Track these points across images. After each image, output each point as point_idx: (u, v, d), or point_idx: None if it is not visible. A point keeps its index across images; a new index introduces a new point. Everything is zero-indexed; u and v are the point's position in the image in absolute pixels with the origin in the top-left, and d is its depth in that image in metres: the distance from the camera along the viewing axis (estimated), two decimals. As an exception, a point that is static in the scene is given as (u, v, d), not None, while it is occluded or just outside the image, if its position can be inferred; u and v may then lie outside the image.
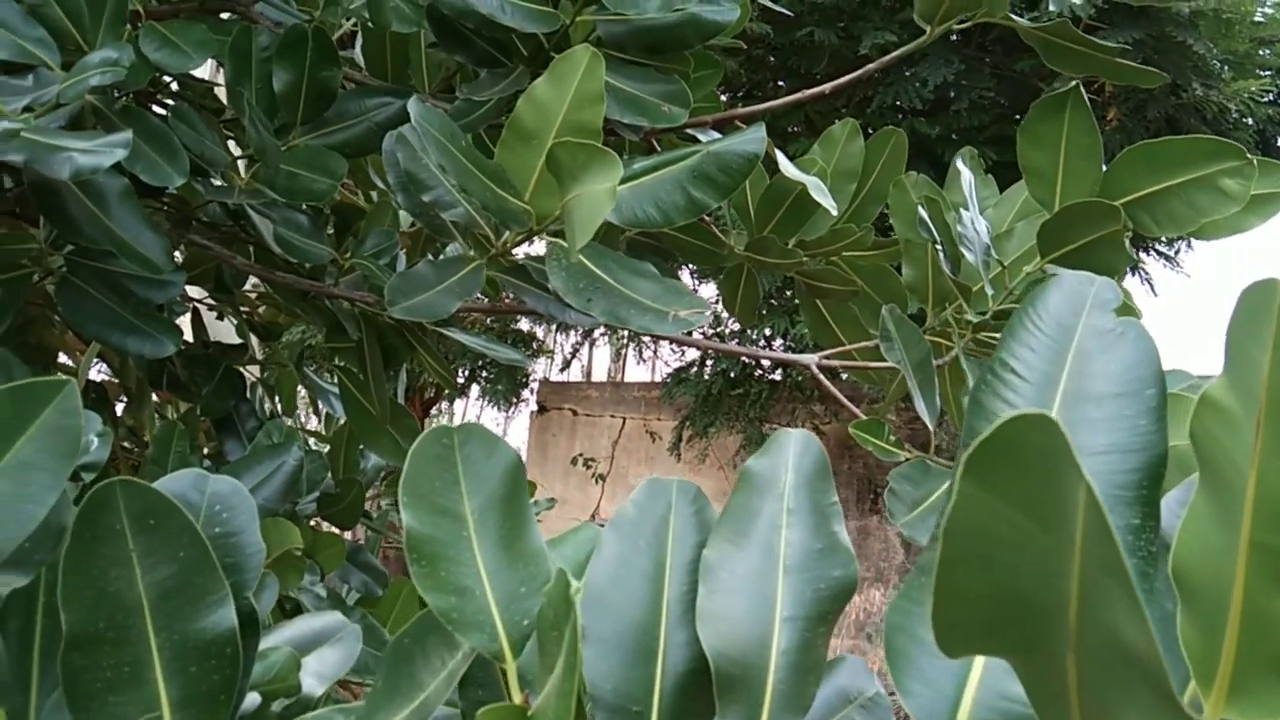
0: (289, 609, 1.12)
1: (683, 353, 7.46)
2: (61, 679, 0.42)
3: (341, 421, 1.48)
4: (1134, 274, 6.89)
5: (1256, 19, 6.03)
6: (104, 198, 0.93)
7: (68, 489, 0.44)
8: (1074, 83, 1.00)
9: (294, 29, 1.04)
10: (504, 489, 0.42)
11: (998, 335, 1.03)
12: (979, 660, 0.36)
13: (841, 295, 1.17)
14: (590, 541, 0.48)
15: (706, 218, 1.13)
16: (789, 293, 5.74)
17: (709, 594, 0.41)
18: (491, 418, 9.86)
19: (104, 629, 0.43)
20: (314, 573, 1.21)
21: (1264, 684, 0.28)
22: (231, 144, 1.16)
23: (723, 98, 1.30)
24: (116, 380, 1.51)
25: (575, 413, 8.68)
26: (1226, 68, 5.86)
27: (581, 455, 8.34)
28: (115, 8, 0.96)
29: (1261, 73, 6.09)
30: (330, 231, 1.27)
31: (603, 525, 0.46)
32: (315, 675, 0.54)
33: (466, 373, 8.78)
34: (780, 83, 6.43)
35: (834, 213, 1.02)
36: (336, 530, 1.51)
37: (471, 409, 10.26)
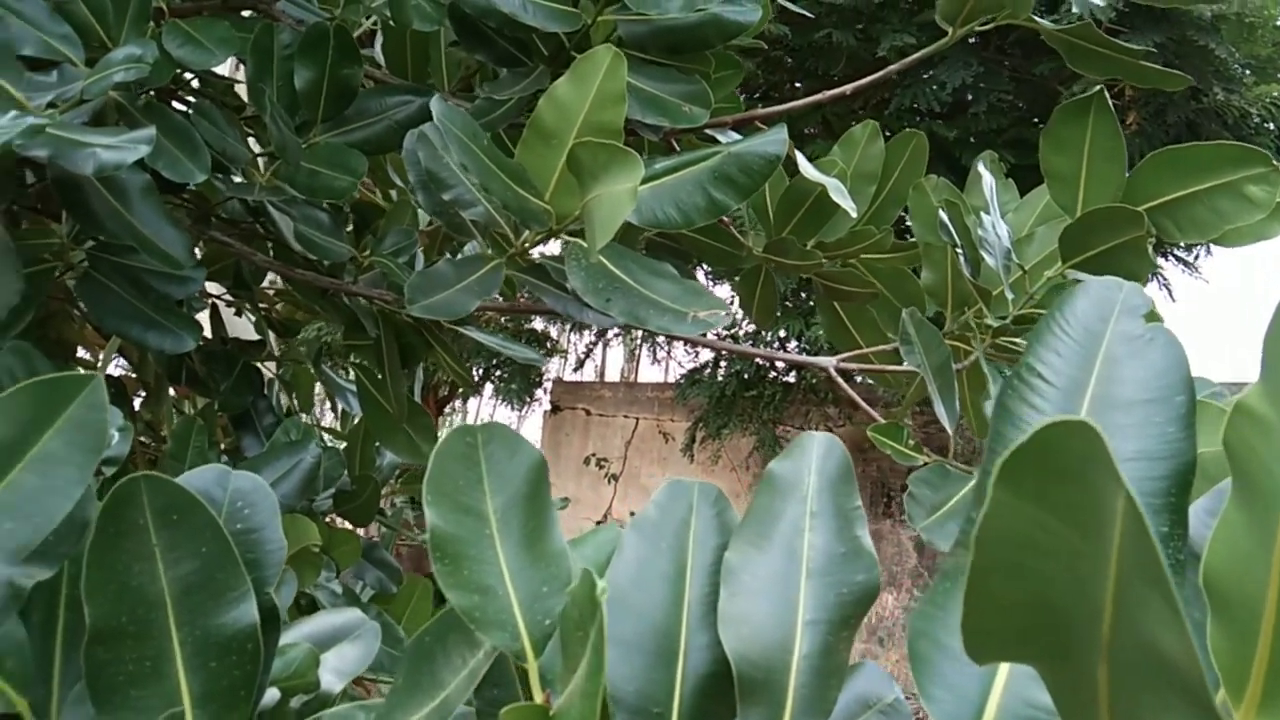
0: (304, 605, 1.12)
1: (697, 354, 7.45)
2: (85, 672, 0.42)
3: (358, 419, 1.48)
4: (1153, 279, 6.84)
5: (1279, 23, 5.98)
6: (126, 193, 0.94)
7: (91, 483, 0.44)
8: (1098, 87, 0.99)
9: (315, 27, 1.04)
10: (527, 488, 0.42)
11: (1018, 340, 1.03)
12: (1004, 667, 0.36)
13: (860, 297, 1.16)
14: (611, 542, 0.47)
15: (725, 219, 1.13)
16: (804, 295, 5.73)
17: (731, 597, 0.41)
18: (505, 417, 9.87)
19: (126, 623, 0.43)
20: (330, 569, 1.21)
21: (1297, 694, 0.28)
22: (251, 141, 1.16)
23: (739, 99, 1.30)
24: (135, 375, 1.52)
25: (589, 412, 8.69)
26: (1248, 72, 5.81)
27: (594, 455, 8.35)
28: (139, 5, 0.96)
29: (1284, 77, 6.04)
30: (349, 229, 1.27)
31: (621, 526, 0.46)
32: (334, 672, 0.55)
33: (481, 371, 8.80)
34: (797, 84, 6.41)
35: (854, 214, 1.02)
36: (351, 527, 1.52)
37: (485, 408, 10.28)
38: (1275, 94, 5.69)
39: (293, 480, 1.07)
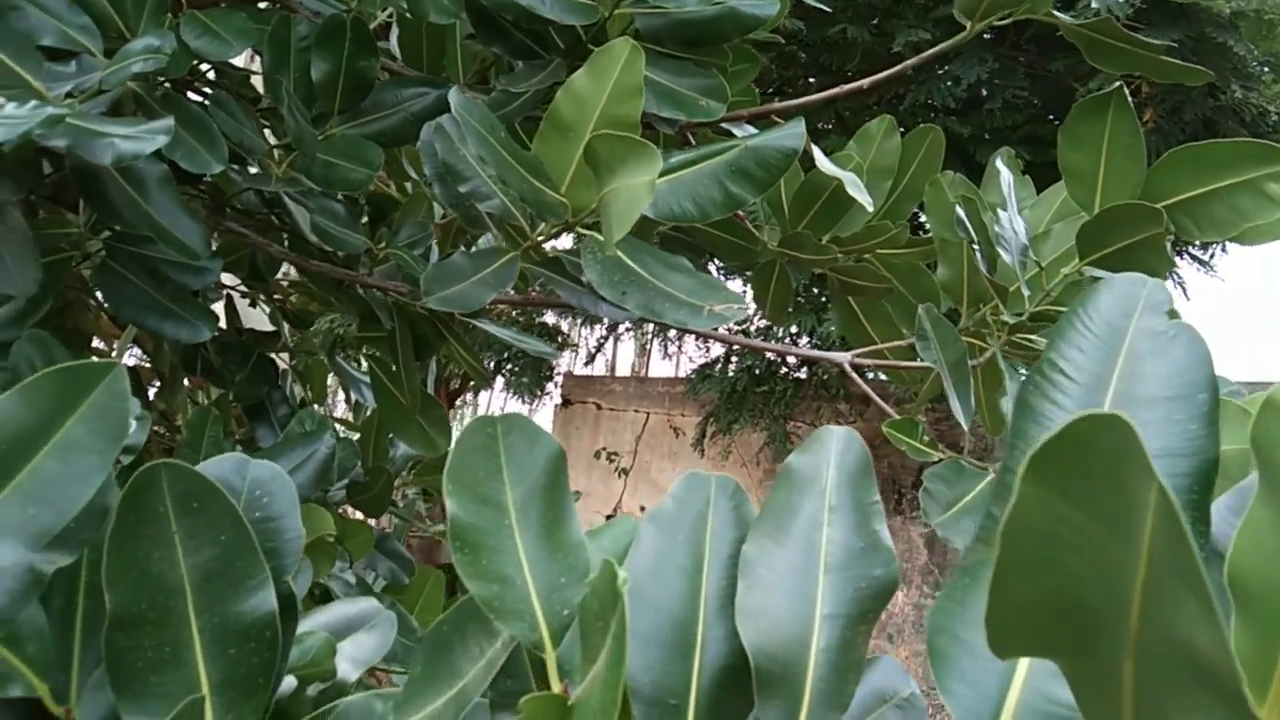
0: (318, 595, 1.13)
1: (708, 349, 7.44)
2: (105, 658, 0.42)
3: (371, 410, 1.49)
4: (1168, 278, 6.80)
5: (1298, 21, 5.93)
6: (144, 184, 0.94)
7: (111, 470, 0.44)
8: (1117, 83, 0.99)
9: (332, 19, 1.05)
10: (545, 480, 0.42)
11: (1034, 337, 1.02)
12: (1024, 662, 0.36)
13: (875, 292, 1.16)
14: (628, 535, 0.47)
15: (740, 213, 1.13)
16: (816, 290, 5.71)
17: (748, 590, 0.41)
18: (516, 410, 9.84)
19: (146, 610, 0.43)
20: (343, 560, 1.21)
21: (1323, 693, 0.28)
22: (266, 133, 1.16)
23: (755, 93, 1.29)
24: (149, 365, 1.53)
25: (599, 406, 8.69)
26: (1267, 69, 5.76)
27: (605, 449, 8.35)
28: (158, -5, 0.97)
29: (1303, 76, 5.99)
30: (364, 221, 1.27)
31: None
32: (350, 660, 0.55)
33: (492, 365, 8.80)
34: (811, 79, 6.39)
35: (870, 209, 1.02)
36: (363, 518, 1.52)
37: (496, 401, 10.29)
38: (1294, 92, 5.64)
39: (307, 470, 1.08)
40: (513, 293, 1.39)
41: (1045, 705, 0.35)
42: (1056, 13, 1.07)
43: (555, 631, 0.39)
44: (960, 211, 0.99)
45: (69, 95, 0.91)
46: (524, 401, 9.46)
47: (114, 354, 1.45)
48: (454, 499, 0.39)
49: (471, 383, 7.96)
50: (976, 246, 1.00)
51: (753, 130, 1.09)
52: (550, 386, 9.35)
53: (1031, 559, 0.23)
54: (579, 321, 8.62)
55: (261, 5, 1.17)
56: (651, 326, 8.01)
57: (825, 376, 6.14)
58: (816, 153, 1.01)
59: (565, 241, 1.02)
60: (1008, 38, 5.73)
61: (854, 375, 1.02)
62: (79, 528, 0.43)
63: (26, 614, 0.45)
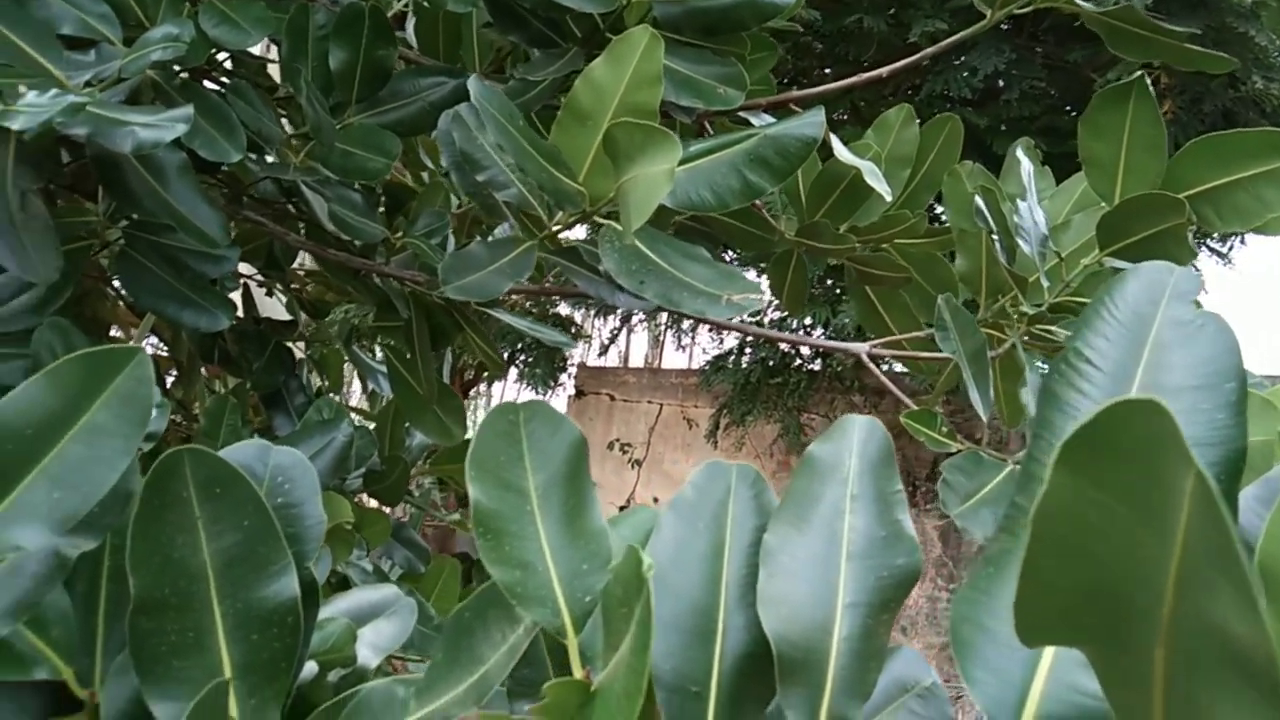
0: (335, 583, 1.13)
1: (721, 340, 7.43)
2: (129, 642, 0.42)
3: (387, 400, 1.49)
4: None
5: (1321, 10, 5.86)
6: (163, 172, 0.94)
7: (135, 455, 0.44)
8: (1138, 72, 0.98)
9: (351, 7, 1.05)
10: (567, 467, 0.42)
11: (1053, 329, 1.02)
12: (1049, 652, 0.35)
13: (894, 282, 1.15)
14: (648, 523, 0.47)
15: (757, 203, 1.13)
16: (830, 282, 5.69)
17: (770, 577, 0.41)
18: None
19: (169, 594, 0.43)
20: (360, 548, 1.22)
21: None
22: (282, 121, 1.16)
23: (773, 81, 1.29)
24: (166, 354, 1.54)
25: (613, 398, 8.69)
26: (1288, 60, 5.70)
27: (618, 440, 8.35)
28: (177, -16, 0.97)
29: (1324, 66, 5.92)
30: (380, 210, 1.27)
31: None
32: (370, 647, 0.55)
33: (505, 356, 8.81)
34: (827, 70, 6.36)
35: (889, 198, 1.01)
36: (378, 507, 1.53)
37: (509, 392, 10.31)
38: (1315, 83, 5.58)
39: (325, 459, 1.08)
40: (527, 283, 1.39)
41: (1071, 695, 0.35)
42: (1078, 0, 1.06)
43: (577, 618, 0.39)
44: (979, 201, 0.98)
45: (88, 84, 0.91)
46: (537, 392, 9.46)
47: (134, 342, 1.45)
48: (476, 484, 0.39)
49: (485, 374, 7.97)
50: (995, 237, 1.00)
51: (770, 119, 1.08)
52: (563, 378, 9.36)
53: (1063, 545, 0.23)
54: (592, 313, 8.61)
55: (280, -6, 1.17)
56: (665, 318, 8.00)
57: (839, 368, 6.12)
58: (835, 142, 1.00)
59: (579, 232, 1.02)
60: (1025, 28, 5.69)
61: (872, 366, 1.02)
62: (103, 512, 0.43)
63: (51, 598, 0.45)
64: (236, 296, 1.45)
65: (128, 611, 0.43)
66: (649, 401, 8.36)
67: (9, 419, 0.39)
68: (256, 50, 1.44)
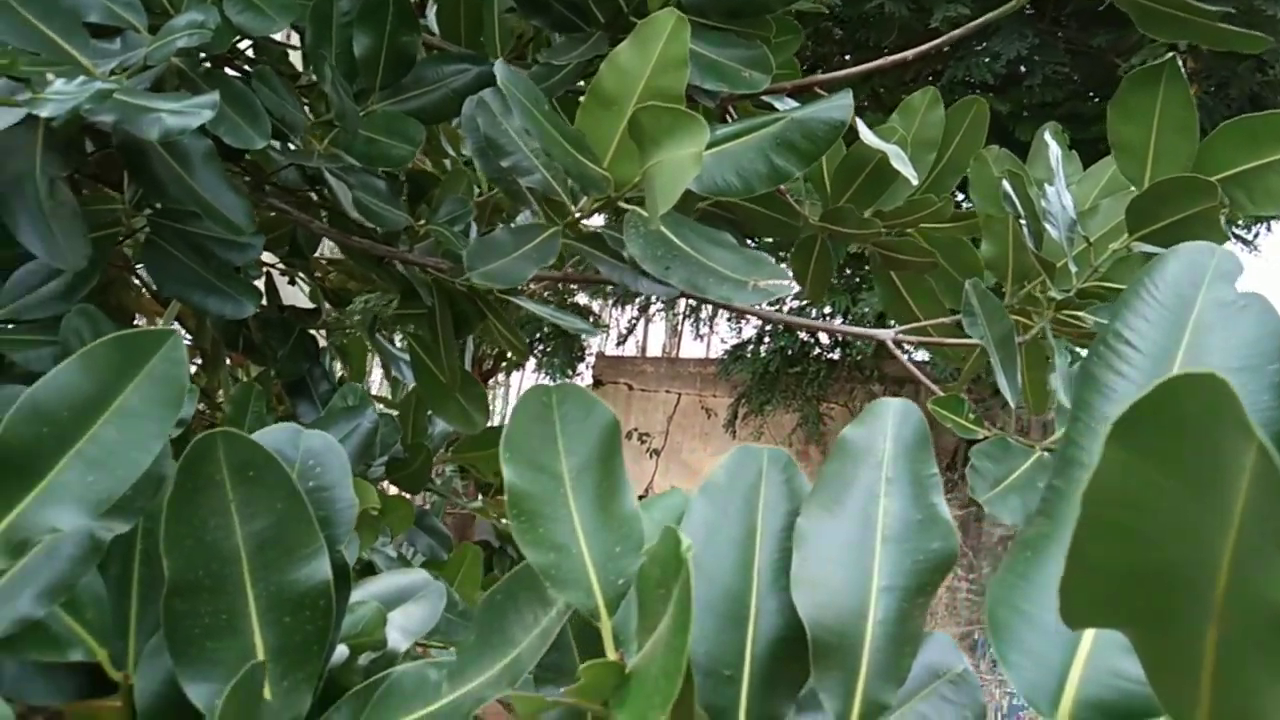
0: (359, 568, 1.14)
1: (740, 329, 7.41)
2: (163, 624, 0.43)
3: (409, 387, 1.50)
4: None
5: (1350, -7, 5.76)
6: (189, 159, 0.95)
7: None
8: (1169, 54, 0.96)
9: (374, -7, 1.04)
10: (600, 450, 0.42)
11: (1081, 314, 1.01)
12: (1089, 635, 0.35)
13: (920, 267, 1.15)
14: (679, 507, 0.47)
15: (782, 187, 1.12)
16: (850, 271, 5.67)
17: (803, 561, 0.40)
18: (546, 391, 9.84)
19: (203, 577, 0.43)
20: (384, 535, 1.22)
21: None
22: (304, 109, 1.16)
23: (797, 65, 1.28)
24: (191, 342, 1.54)
25: (631, 387, 8.69)
26: (1317, 44, 5.62)
27: (636, 430, 8.35)
28: (201, -29, 0.97)
29: (1353, 50, 5.83)
30: (403, 198, 1.27)
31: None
32: (400, 630, 0.55)
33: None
34: (847, 55, 6.32)
35: (915, 182, 1.00)
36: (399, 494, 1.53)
37: (528, 381, 10.33)
38: (1344, 67, 5.49)
39: (350, 445, 1.09)
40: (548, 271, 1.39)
41: (1111, 679, 0.34)
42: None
43: (611, 600, 0.39)
44: (1007, 186, 0.97)
45: (115, 71, 0.92)
46: (555, 382, 9.46)
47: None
48: (510, 466, 0.39)
49: (504, 363, 7.99)
50: (1023, 222, 0.99)
51: (794, 104, 1.07)
52: (581, 367, 9.36)
53: (1115, 524, 0.23)
54: (610, 302, 8.60)
55: (302, -19, 1.17)
56: (682, 307, 7.98)
57: (859, 357, 6.10)
58: (860, 125, 1.00)
59: (599, 220, 1.02)
60: (1048, 13, 5.63)
61: (896, 352, 1.01)
62: (135, 495, 0.44)
63: (85, 580, 0.45)
64: (259, 284, 1.46)
65: (162, 594, 0.43)
66: (667, 391, 8.36)
67: (45, 401, 0.39)
68: (278, 37, 1.44)
